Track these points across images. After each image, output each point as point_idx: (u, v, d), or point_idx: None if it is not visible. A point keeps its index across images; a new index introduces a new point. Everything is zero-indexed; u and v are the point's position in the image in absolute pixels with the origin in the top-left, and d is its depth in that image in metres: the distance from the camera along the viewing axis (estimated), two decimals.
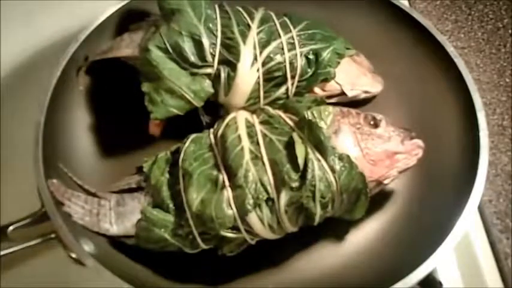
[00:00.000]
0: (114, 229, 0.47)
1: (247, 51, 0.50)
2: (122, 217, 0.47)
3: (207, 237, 0.44)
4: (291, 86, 0.51)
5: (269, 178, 0.42)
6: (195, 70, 0.49)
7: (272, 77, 0.51)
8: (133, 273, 0.46)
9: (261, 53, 0.50)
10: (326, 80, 0.53)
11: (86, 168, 0.53)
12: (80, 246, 0.43)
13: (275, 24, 0.52)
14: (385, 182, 0.46)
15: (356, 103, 0.55)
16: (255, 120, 0.46)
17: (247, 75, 0.50)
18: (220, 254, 0.45)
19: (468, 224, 0.44)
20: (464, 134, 0.50)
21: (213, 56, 0.49)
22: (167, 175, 0.47)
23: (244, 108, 0.51)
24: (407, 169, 0.47)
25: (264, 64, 0.50)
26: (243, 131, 0.45)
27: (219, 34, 0.50)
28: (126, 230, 0.47)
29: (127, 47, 0.53)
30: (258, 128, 0.45)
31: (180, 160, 0.45)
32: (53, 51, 0.67)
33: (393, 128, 0.47)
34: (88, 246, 0.45)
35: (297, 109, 0.46)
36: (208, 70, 0.50)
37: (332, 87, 0.53)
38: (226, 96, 0.51)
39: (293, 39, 0.51)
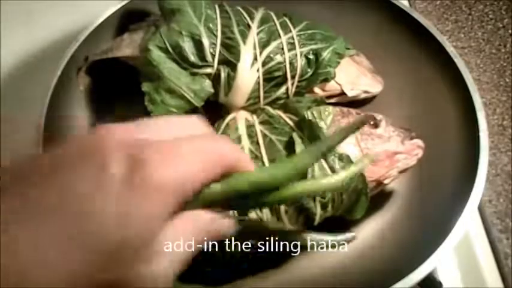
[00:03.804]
0: None
1: (247, 51, 0.50)
2: None
3: None
4: (291, 86, 0.51)
5: None
6: (195, 70, 0.49)
7: (272, 77, 0.51)
8: None
9: (261, 53, 0.50)
10: (326, 80, 0.52)
11: None
12: None
13: (275, 24, 0.52)
14: (385, 182, 0.46)
15: (356, 103, 0.55)
16: (255, 120, 0.46)
17: (247, 75, 0.50)
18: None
19: (468, 224, 0.44)
20: (464, 134, 0.50)
21: (213, 56, 0.49)
22: None
23: (244, 108, 0.51)
24: (407, 169, 0.47)
25: (264, 64, 0.50)
26: (243, 131, 0.45)
27: (219, 34, 0.50)
28: None
29: (127, 47, 0.53)
30: (258, 128, 0.45)
31: None
32: (53, 51, 0.67)
33: (393, 128, 0.47)
34: None
35: (297, 109, 0.46)
36: (208, 70, 0.50)
37: (332, 87, 0.53)
38: (226, 96, 0.51)
39: (293, 39, 0.51)
